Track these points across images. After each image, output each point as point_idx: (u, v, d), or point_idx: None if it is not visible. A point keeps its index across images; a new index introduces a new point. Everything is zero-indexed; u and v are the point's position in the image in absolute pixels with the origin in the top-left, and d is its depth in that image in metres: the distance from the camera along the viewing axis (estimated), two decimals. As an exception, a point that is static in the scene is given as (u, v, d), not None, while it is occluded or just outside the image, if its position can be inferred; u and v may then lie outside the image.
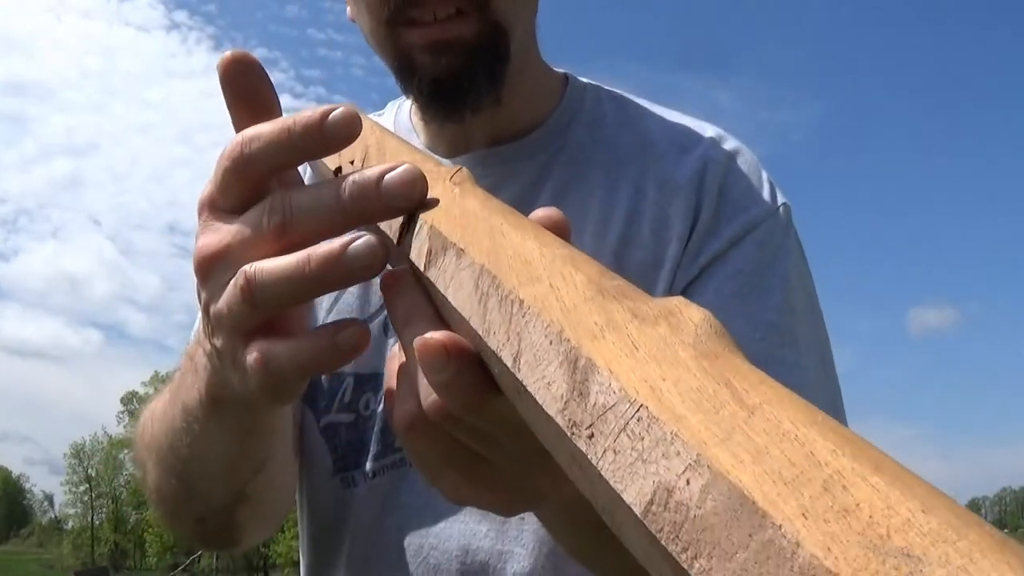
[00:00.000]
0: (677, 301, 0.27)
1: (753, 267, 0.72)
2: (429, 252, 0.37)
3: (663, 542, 0.21)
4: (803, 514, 0.18)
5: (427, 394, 0.35)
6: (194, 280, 0.42)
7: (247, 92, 0.43)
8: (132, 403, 53.95)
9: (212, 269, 0.40)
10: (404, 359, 0.38)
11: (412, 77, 0.72)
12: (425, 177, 0.39)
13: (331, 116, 0.38)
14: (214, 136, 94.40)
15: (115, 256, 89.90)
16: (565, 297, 0.29)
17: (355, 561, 0.77)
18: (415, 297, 0.37)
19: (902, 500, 0.18)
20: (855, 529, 0.18)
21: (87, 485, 58.67)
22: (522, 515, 0.68)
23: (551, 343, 0.28)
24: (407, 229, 0.40)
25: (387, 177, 0.37)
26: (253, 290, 0.37)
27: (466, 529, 0.72)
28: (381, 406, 0.75)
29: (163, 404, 0.61)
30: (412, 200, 0.37)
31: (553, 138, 0.79)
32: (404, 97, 0.86)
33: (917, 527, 0.17)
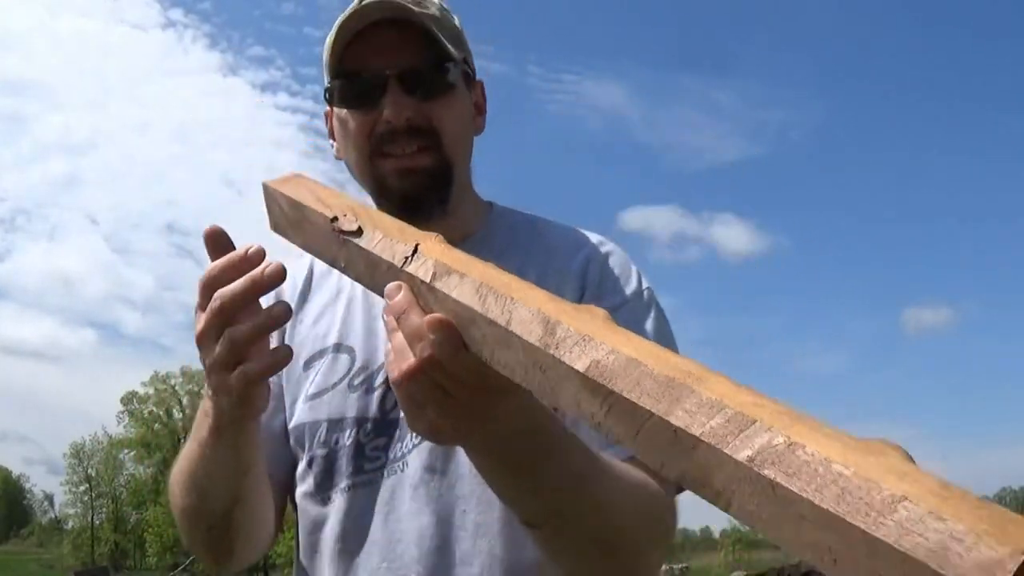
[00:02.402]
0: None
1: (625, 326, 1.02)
2: (434, 274, 0.63)
3: (598, 384, 0.48)
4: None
5: (421, 351, 0.62)
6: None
7: (220, 248, 0.78)
8: (132, 403, 53.93)
9: (201, 345, 0.77)
10: (399, 341, 0.64)
11: (385, 194, 1.04)
12: (284, 269, 0.76)
13: (265, 272, 0.74)
14: (211, 135, 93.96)
15: (111, 255, 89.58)
16: (551, 304, 0.55)
17: (336, 558, 1.03)
18: (410, 299, 0.64)
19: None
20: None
21: (87, 485, 58.59)
22: (464, 508, 0.98)
23: (532, 315, 0.54)
24: (410, 260, 0.66)
25: (267, 271, 0.75)
26: (232, 340, 0.75)
27: (419, 523, 0.99)
28: (350, 440, 1.04)
29: (186, 447, 0.95)
30: (277, 279, 0.76)
31: (479, 246, 1.02)
32: None
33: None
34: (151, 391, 54.21)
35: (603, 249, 1.11)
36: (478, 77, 1.13)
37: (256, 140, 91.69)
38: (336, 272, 0.95)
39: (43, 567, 57.15)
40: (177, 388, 54.33)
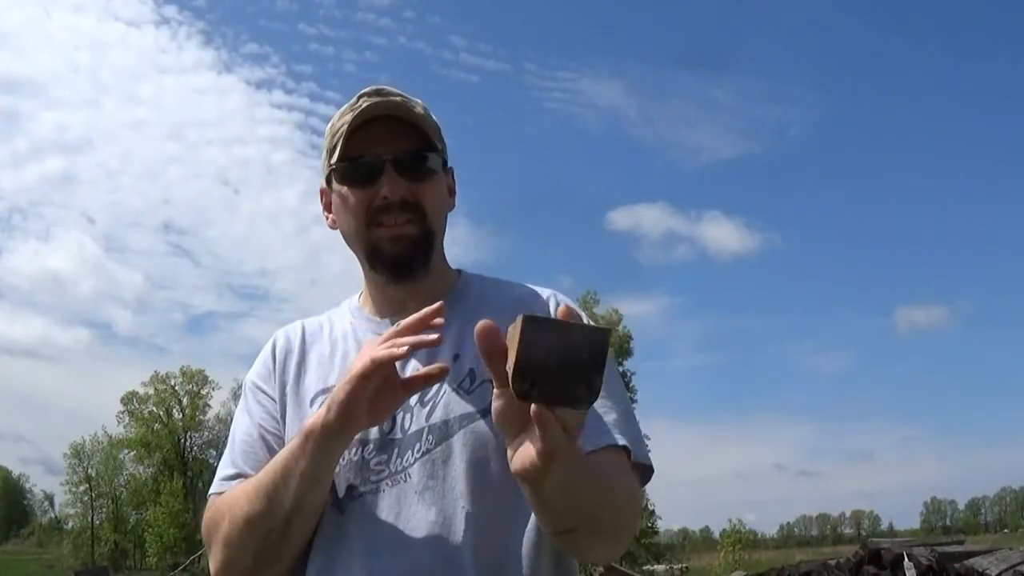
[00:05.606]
0: None
1: None
2: None
3: None
4: None
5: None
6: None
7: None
8: (132, 403, 53.89)
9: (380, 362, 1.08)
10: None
11: (378, 257, 1.29)
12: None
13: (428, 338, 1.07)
14: (206, 132, 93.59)
15: (105, 254, 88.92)
16: None
17: (356, 555, 1.21)
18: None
19: None
20: None
21: (87, 485, 58.56)
22: (463, 504, 1.19)
23: None
24: None
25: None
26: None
27: (428, 520, 1.19)
28: (356, 457, 1.24)
29: (253, 479, 1.19)
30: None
31: (456, 303, 1.31)
32: (347, 300, 1.45)
33: None
34: (151, 391, 54.21)
35: (559, 297, 1.36)
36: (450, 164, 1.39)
37: (251, 138, 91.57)
38: (327, 329, 1.38)
39: (43, 567, 57.12)
40: (177, 388, 54.34)
